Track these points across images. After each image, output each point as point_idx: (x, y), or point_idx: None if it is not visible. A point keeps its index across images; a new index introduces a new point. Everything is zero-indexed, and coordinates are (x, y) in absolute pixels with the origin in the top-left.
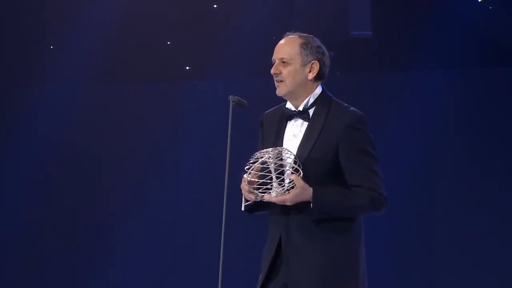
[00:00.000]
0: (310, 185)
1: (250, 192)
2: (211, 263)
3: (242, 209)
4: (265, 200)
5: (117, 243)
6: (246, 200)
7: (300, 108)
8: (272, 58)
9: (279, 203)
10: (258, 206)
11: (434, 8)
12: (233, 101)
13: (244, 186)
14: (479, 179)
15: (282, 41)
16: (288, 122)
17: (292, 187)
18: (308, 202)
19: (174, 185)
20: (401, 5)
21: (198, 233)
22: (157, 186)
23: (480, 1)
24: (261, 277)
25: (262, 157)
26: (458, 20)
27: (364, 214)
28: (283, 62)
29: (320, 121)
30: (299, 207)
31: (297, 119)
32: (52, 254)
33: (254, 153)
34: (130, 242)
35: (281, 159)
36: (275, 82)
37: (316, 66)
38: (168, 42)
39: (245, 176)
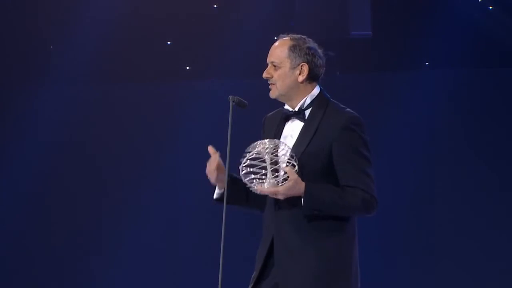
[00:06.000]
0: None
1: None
2: (211, 263)
3: (214, 196)
4: (257, 192)
5: (116, 242)
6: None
7: (296, 109)
8: (267, 60)
9: (271, 195)
10: (234, 197)
11: (434, 8)
12: (233, 101)
13: (209, 168)
14: (480, 179)
15: (275, 44)
16: (286, 122)
17: (285, 179)
18: (300, 198)
19: (174, 185)
20: (401, 5)
21: (198, 233)
22: (157, 186)
23: (480, 1)
24: (254, 275)
25: (257, 147)
26: (458, 20)
27: (355, 214)
28: (274, 65)
29: (315, 121)
30: (291, 204)
31: (294, 119)
32: (52, 253)
33: (251, 144)
34: (130, 242)
35: (277, 152)
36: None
37: (305, 68)
38: (168, 42)
39: (239, 167)
